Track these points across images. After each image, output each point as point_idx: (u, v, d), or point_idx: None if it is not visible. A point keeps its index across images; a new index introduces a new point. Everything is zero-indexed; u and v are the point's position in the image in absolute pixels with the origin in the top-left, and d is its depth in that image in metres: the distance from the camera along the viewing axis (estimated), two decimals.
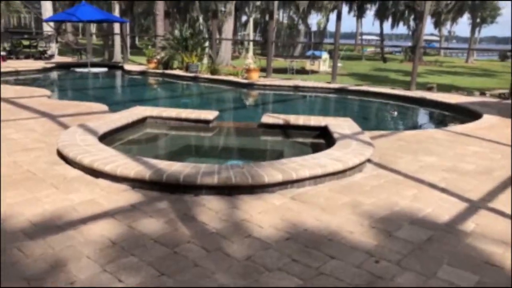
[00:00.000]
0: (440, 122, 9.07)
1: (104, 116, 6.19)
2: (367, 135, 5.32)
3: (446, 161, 4.85)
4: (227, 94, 12.34)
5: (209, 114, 6.21)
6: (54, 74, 14.86)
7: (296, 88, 12.16)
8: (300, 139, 6.01)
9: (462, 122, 7.66)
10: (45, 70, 14.88)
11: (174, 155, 5.15)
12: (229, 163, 4.68)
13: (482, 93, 14.42)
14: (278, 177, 3.60)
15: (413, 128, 8.02)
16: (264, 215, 3.20)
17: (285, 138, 6.04)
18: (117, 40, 18.74)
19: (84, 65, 15.90)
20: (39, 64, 15.64)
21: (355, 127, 5.73)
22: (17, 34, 20.75)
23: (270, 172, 3.64)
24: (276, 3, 14.82)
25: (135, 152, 5.08)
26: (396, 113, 9.40)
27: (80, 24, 48.53)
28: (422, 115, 10.15)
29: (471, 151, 5.30)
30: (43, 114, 6.71)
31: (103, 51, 25.53)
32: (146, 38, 43.60)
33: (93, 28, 46.19)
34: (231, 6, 24.87)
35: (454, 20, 51.19)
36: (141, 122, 6.04)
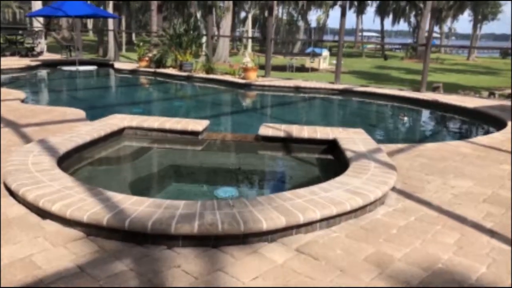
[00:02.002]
0: (460, 131, 8.07)
1: (76, 126, 5.29)
2: (385, 153, 4.45)
3: (484, 186, 3.98)
4: (222, 96, 11.44)
5: (198, 124, 5.31)
6: (37, 73, 13.91)
7: (297, 89, 11.28)
8: (305, 154, 5.13)
9: (486, 131, 6.81)
10: (29, 68, 13.95)
11: (151, 180, 4.25)
12: (217, 192, 3.81)
13: (492, 93, 13.56)
14: (280, 221, 2.72)
15: (432, 139, 7.07)
16: (261, 282, 2.32)
17: (287, 154, 5.14)
18: (112, 36, 17.83)
19: (72, 63, 14.97)
20: (24, 62, 14.70)
21: (369, 141, 4.86)
22: (6, 30, 19.82)
23: (269, 213, 2.77)
24: None
25: (103, 176, 4.18)
26: (406, 118, 8.51)
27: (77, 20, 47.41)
28: (439, 122, 9.09)
29: (509, 172, 4.42)
30: (7, 123, 5.80)
31: (97, 48, 24.63)
32: (144, 34, 42.59)
33: (90, 23, 45.15)
34: (229, 2, 23.94)
35: (454, 17, 50.53)
36: (117, 134, 5.15)
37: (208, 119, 5.60)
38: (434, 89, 11.26)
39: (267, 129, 5.25)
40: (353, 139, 4.83)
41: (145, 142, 5.24)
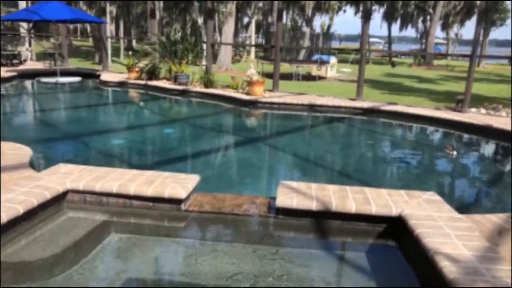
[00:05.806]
0: None
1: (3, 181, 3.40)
2: (506, 262, 2.54)
3: None
4: (222, 118, 9.51)
5: (181, 187, 3.39)
6: (7, 87, 11.95)
7: (312, 107, 9.43)
8: (350, 239, 3.22)
9: None
10: (1, 80, 12.08)
11: None
12: None
13: None
14: None
15: None
16: None
17: (324, 246, 3.18)
18: (108, 42, 16.17)
19: (54, 73, 13.13)
20: None
21: (459, 221, 2.96)
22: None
23: None
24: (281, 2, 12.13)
25: None
26: (455, 152, 6.51)
27: (79, 25, 45.68)
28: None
29: None
30: None
31: (94, 54, 22.81)
32: (146, 40, 40.76)
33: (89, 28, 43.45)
34: (232, 7, 22.18)
35: (462, 22, 49.11)
36: (54, 203, 3.26)
37: (200, 161, 3.72)
38: (458, 102, 9.35)
39: (289, 197, 3.33)
40: (433, 219, 2.92)
41: (97, 216, 3.31)
